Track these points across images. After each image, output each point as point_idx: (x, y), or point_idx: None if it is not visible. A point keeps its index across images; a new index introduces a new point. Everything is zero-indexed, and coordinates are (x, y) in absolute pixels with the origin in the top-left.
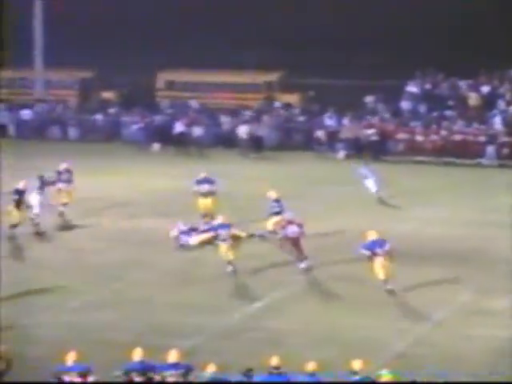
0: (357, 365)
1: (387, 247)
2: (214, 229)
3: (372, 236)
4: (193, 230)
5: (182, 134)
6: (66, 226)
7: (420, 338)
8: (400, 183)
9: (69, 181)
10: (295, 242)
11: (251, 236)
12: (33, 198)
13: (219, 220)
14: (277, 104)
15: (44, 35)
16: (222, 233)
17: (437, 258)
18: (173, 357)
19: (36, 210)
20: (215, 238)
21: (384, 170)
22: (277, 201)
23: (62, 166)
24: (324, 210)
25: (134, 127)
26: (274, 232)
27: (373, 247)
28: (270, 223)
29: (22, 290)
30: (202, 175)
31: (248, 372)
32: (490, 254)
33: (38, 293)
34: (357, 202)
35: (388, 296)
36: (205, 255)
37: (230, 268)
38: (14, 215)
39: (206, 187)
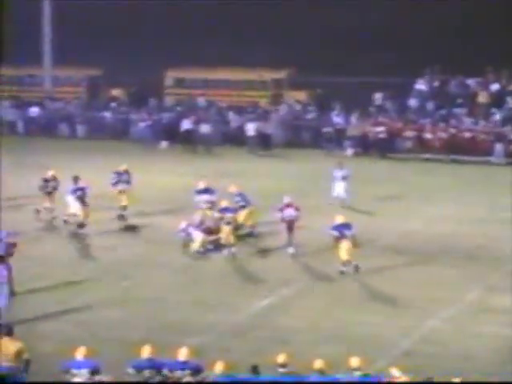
0: (355, 362)
1: (353, 231)
2: (221, 211)
3: (340, 220)
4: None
5: (189, 131)
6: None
7: (428, 336)
8: (408, 181)
9: (128, 182)
10: (290, 224)
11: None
12: (69, 199)
13: (224, 204)
14: (285, 101)
15: (52, 33)
16: (228, 216)
17: (444, 255)
18: (183, 355)
19: (73, 210)
20: (220, 219)
21: (392, 168)
22: (239, 195)
23: (122, 167)
24: (332, 207)
25: (142, 125)
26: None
27: (342, 229)
28: (241, 217)
29: (33, 286)
30: (202, 185)
31: (254, 369)
32: (498, 252)
33: (49, 289)
34: (365, 199)
35: (396, 293)
36: (213, 253)
37: (230, 251)
38: (80, 214)
39: (205, 198)
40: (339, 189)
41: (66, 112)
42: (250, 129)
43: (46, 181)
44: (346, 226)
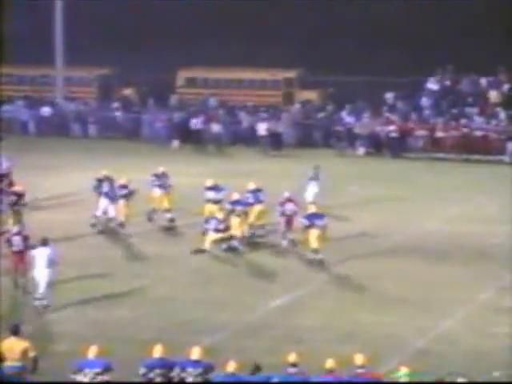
0: (359, 359)
1: (324, 221)
2: (232, 203)
3: (312, 209)
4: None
5: (198, 131)
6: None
7: (441, 335)
8: (420, 180)
9: (166, 185)
10: (290, 219)
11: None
12: (101, 201)
13: (236, 196)
14: (297, 101)
15: (64, 32)
16: (238, 208)
17: (457, 255)
18: (195, 354)
19: (99, 213)
20: (231, 212)
21: (404, 167)
22: (252, 192)
23: (159, 170)
24: (344, 206)
25: (154, 124)
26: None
27: (312, 219)
28: (252, 214)
29: None
30: (210, 183)
31: (256, 369)
32: (510, 251)
33: (61, 288)
34: (377, 198)
35: (409, 293)
36: (227, 253)
37: (235, 244)
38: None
39: (212, 194)
40: (310, 191)
41: (78, 112)
42: (262, 128)
43: (100, 180)
44: (317, 215)
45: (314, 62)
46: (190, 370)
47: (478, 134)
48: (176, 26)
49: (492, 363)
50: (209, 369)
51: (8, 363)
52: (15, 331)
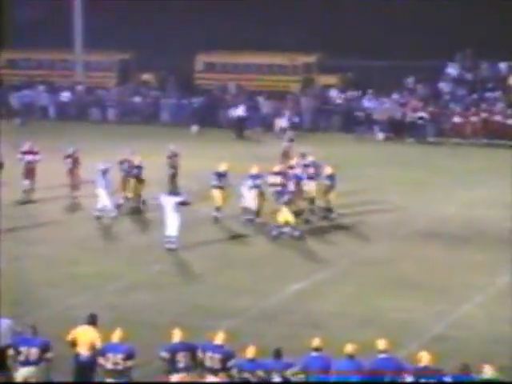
0: (381, 345)
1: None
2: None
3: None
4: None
5: (240, 118)
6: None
7: (459, 321)
8: (440, 165)
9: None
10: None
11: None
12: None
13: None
14: (316, 86)
15: (84, 17)
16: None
17: (477, 239)
18: (219, 339)
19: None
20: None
21: (424, 152)
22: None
23: (222, 168)
24: (364, 191)
25: (173, 109)
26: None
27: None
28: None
29: (66, 270)
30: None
31: (277, 353)
32: None
33: (79, 274)
34: (397, 183)
35: (429, 278)
36: (246, 237)
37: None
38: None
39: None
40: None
41: (98, 97)
42: (281, 121)
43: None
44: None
45: (333, 47)
46: (209, 353)
47: (498, 118)
48: (195, 10)
49: (509, 347)
50: (229, 356)
51: (79, 350)
52: (92, 321)
